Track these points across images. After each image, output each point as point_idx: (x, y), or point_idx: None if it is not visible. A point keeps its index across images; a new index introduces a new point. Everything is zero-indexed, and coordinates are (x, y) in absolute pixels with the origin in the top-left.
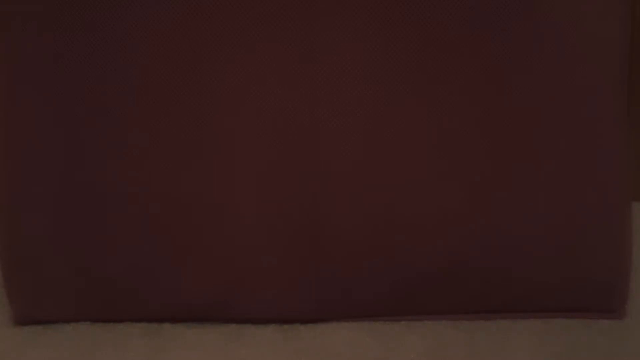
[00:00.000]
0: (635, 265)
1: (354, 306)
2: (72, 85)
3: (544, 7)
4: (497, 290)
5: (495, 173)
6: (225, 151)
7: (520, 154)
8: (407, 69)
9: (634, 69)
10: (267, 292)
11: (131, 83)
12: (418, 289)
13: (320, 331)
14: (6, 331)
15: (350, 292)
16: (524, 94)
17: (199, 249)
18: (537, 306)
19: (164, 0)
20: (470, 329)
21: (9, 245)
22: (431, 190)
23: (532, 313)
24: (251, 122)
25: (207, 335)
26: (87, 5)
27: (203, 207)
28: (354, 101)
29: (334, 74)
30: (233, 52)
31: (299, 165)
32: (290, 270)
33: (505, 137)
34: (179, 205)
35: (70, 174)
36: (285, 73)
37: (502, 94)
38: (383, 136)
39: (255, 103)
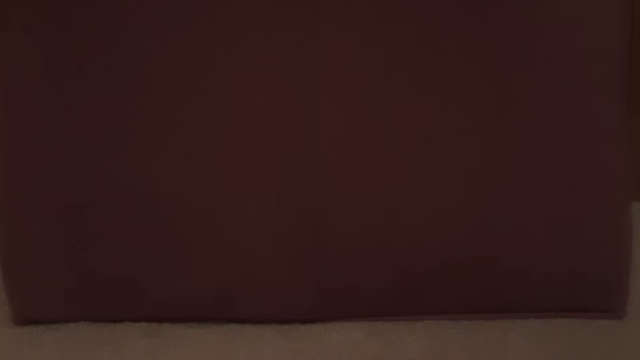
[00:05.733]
0: (635, 265)
1: (353, 305)
2: (74, 85)
3: (544, 7)
4: (497, 290)
5: (495, 173)
6: (225, 150)
7: (519, 154)
8: (406, 68)
9: (634, 69)
10: (267, 292)
11: (135, 84)
12: (417, 288)
13: (320, 331)
14: (6, 331)
15: (350, 291)
16: (524, 93)
17: (198, 249)
18: (537, 306)
19: (167, 1)
20: (470, 329)
21: (9, 246)
22: (431, 188)
23: (532, 313)
24: (252, 121)
25: (207, 335)
26: (91, 4)
27: (202, 207)
28: (354, 99)
29: (334, 73)
30: (234, 52)
31: (300, 164)
32: (290, 270)
33: (505, 137)
34: (177, 206)
35: (70, 174)
36: (287, 72)
37: (502, 92)
38: (382, 134)
39: (257, 102)
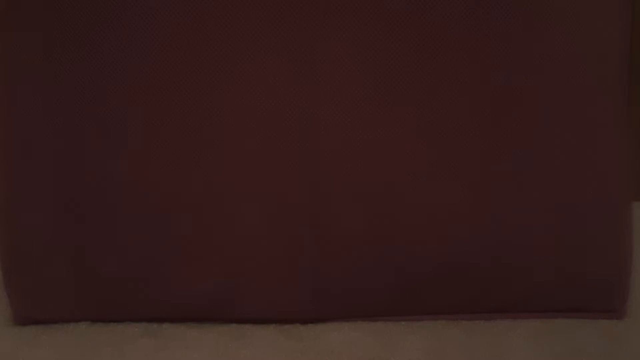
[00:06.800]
0: (636, 265)
1: (354, 305)
2: (72, 85)
3: (544, 7)
4: (497, 290)
5: (495, 172)
6: (225, 150)
7: (519, 154)
8: (406, 68)
9: (634, 69)
10: (267, 292)
11: (135, 83)
12: (418, 288)
13: (320, 331)
14: (6, 331)
15: (350, 291)
16: (524, 93)
17: (198, 249)
18: (537, 306)
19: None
20: (470, 328)
21: (9, 245)
22: (430, 188)
23: (532, 313)
24: (252, 120)
25: (207, 335)
26: (91, 4)
27: (202, 207)
28: (354, 100)
29: (334, 72)
30: (235, 51)
31: (300, 164)
32: (290, 270)
33: (505, 137)
34: (177, 205)
35: (70, 173)
36: (287, 71)
37: (502, 93)
38: (383, 134)
39: (257, 101)
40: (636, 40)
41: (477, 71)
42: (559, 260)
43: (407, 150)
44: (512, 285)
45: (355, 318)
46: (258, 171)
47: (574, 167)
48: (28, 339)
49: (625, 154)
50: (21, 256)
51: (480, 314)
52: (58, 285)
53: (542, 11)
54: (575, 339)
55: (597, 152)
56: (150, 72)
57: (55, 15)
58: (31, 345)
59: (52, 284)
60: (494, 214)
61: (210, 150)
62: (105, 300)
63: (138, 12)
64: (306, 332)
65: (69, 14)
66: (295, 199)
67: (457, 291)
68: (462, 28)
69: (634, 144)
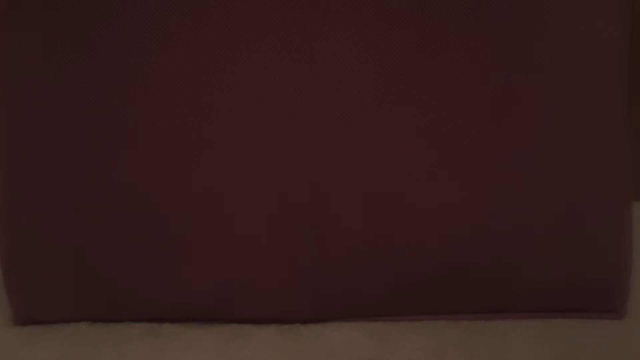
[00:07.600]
0: (636, 265)
1: (353, 305)
2: (72, 85)
3: (544, 7)
4: (497, 290)
5: (495, 172)
6: (225, 150)
7: (519, 154)
8: (406, 68)
9: (634, 69)
10: (267, 292)
11: (135, 83)
12: (418, 288)
13: (320, 331)
14: (6, 331)
15: (350, 291)
16: (524, 93)
17: (198, 249)
18: (537, 306)
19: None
20: (470, 329)
21: (9, 245)
22: (430, 188)
23: (532, 313)
24: (252, 120)
25: (207, 335)
26: (89, 2)
27: (203, 207)
28: (354, 100)
29: (334, 72)
30: (235, 51)
31: (300, 164)
32: (290, 270)
33: (505, 137)
34: (177, 205)
35: (70, 173)
36: (287, 71)
37: (502, 93)
38: (383, 134)
39: (257, 101)
40: (636, 40)
41: (477, 71)
42: (559, 260)
43: (407, 150)
44: (512, 285)
45: (355, 318)
46: (258, 171)
47: (574, 167)
48: (28, 339)
49: (625, 154)
50: (21, 256)
51: (480, 314)
52: (58, 285)
53: (542, 11)
54: (575, 339)
55: (597, 152)
56: (150, 72)
57: (55, 15)
58: (31, 345)
59: (52, 284)
60: (494, 214)
61: (210, 150)
62: (105, 300)
63: (138, 12)
64: (306, 332)
65: (69, 14)
66: (295, 199)
67: (457, 291)
68: (462, 28)
69: (634, 144)
